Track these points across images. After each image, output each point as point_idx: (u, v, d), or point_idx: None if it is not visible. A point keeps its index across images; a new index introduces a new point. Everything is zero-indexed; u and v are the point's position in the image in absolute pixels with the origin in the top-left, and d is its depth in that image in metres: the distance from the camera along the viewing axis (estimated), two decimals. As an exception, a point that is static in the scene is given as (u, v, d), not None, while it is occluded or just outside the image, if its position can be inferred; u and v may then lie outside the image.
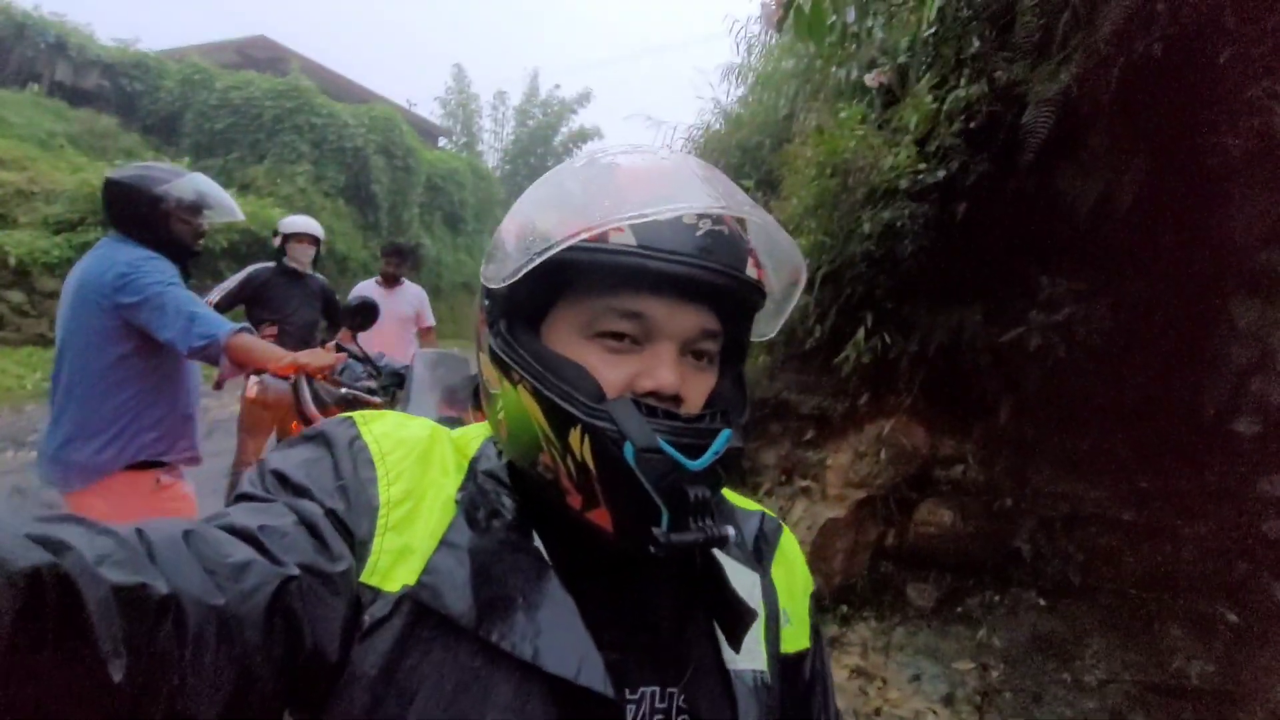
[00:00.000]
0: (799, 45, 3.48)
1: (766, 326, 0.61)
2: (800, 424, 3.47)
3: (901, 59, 2.86)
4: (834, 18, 2.11)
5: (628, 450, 0.46)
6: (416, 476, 0.52)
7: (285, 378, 1.87)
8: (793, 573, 0.66)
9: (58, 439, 1.81)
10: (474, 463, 0.56)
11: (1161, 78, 2.03)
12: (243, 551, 0.42)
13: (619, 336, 0.50)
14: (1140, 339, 2.32)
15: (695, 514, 0.47)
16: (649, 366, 0.50)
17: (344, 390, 1.81)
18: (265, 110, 12.13)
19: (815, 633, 0.66)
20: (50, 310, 7.49)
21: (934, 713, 2.35)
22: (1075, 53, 2.16)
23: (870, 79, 2.86)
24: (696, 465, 0.47)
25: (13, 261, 7.31)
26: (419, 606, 0.47)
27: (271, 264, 3.52)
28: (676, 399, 0.50)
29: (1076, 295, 2.32)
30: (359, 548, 0.48)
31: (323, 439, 0.54)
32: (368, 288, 4.15)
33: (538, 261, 0.48)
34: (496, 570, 0.49)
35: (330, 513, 0.48)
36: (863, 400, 3.06)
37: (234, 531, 0.43)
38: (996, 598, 2.66)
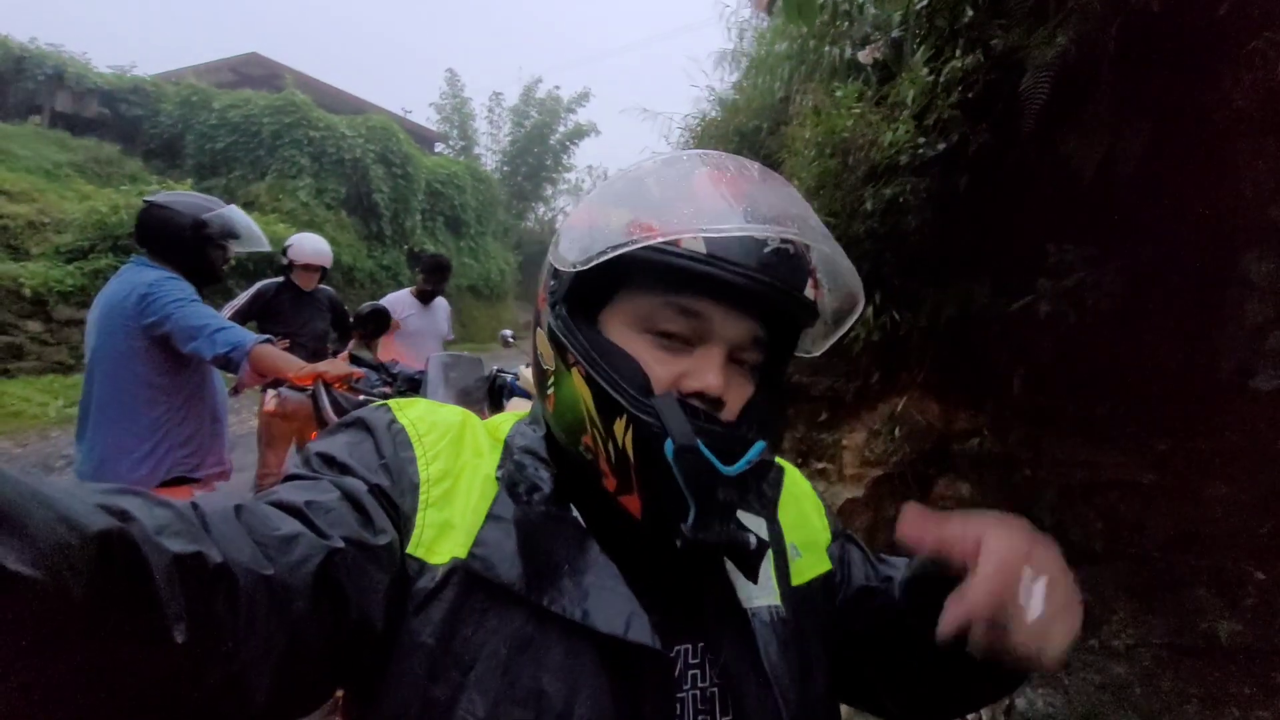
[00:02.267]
0: (791, 27, 3.46)
1: (815, 345, 0.64)
2: (813, 406, 3.47)
3: (895, 33, 2.83)
4: (823, -3, 2.09)
5: (668, 446, 0.48)
6: (452, 456, 0.55)
7: (304, 388, 1.91)
8: (801, 505, 0.70)
9: (94, 460, 1.87)
10: (509, 441, 0.59)
11: (1160, 34, 2.00)
12: (290, 525, 0.44)
13: (672, 335, 0.53)
14: (1153, 301, 2.30)
15: (721, 516, 0.49)
16: (698, 367, 0.52)
17: (361, 397, 1.85)
18: (264, 127, 12.20)
19: (837, 537, 0.71)
20: (69, 338, 7.61)
21: (962, 685, 2.36)
22: (1071, 14, 2.13)
23: (864, 55, 2.84)
24: (730, 470, 0.49)
25: (28, 292, 7.42)
26: (469, 577, 0.49)
27: (279, 279, 3.56)
28: (719, 402, 0.52)
29: (1086, 261, 2.30)
30: (403, 522, 0.51)
31: (362, 424, 0.57)
32: (402, 300, 4.07)
33: (611, 255, 0.50)
34: (542, 540, 0.51)
35: (375, 488, 0.51)
36: (874, 379, 3.06)
37: (282, 507, 0.45)
38: (1020, 568, 2.65)
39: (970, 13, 2.52)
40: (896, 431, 2.94)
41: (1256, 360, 1.92)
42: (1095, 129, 2.22)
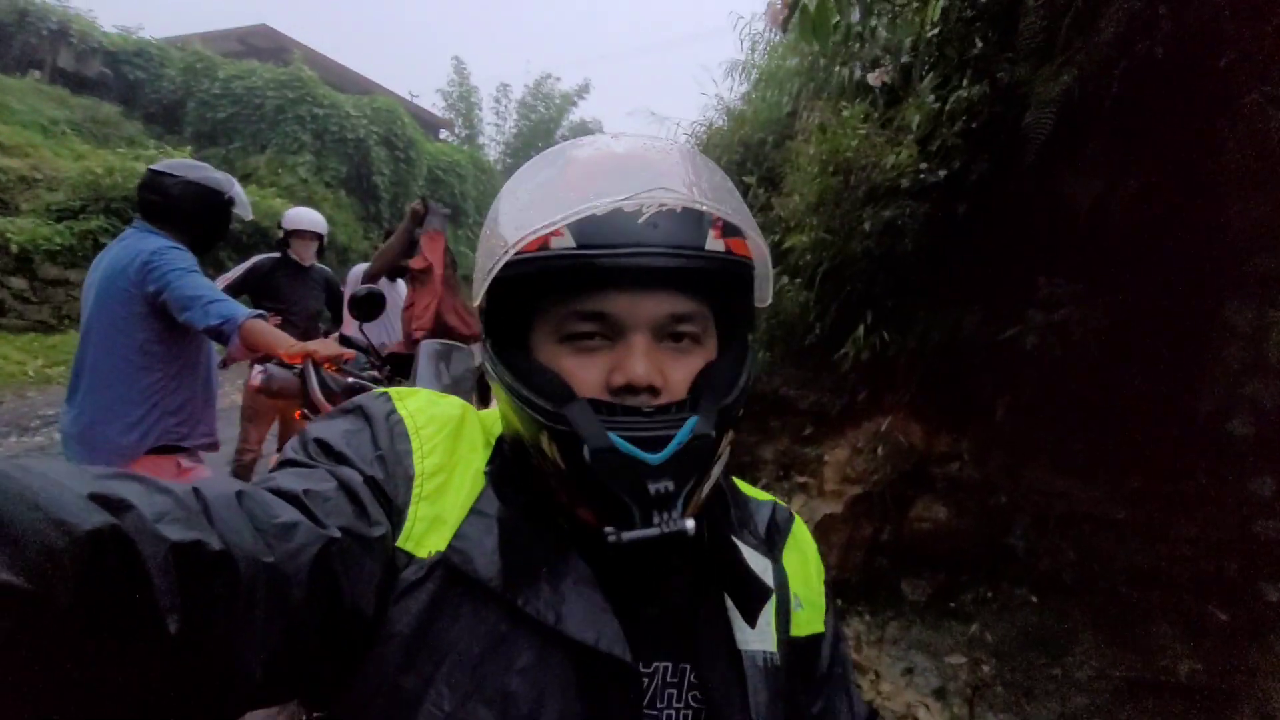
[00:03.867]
0: (803, 43, 3.49)
1: (761, 291, 0.59)
2: (798, 420, 3.50)
3: (905, 59, 2.87)
4: (838, 18, 2.12)
5: (585, 451, 0.47)
6: (449, 451, 0.55)
7: (293, 366, 1.91)
8: (806, 559, 0.67)
9: (83, 423, 1.88)
10: (500, 440, 0.58)
11: (1162, 81, 2.05)
12: (289, 513, 0.44)
13: (587, 336, 0.51)
14: (1137, 340, 2.34)
15: (658, 508, 0.47)
16: (620, 361, 0.50)
17: (350, 379, 1.85)
18: (267, 100, 12.12)
19: (833, 617, 0.66)
20: (52, 297, 7.51)
21: (925, 706, 2.39)
22: (1077, 55, 2.17)
23: (873, 78, 2.87)
24: (656, 459, 0.47)
25: (14, 248, 7.32)
26: (450, 572, 0.49)
27: (276, 255, 3.54)
28: (653, 389, 0.50)
29: (1074, 296, 2.34)
30: (396, 514, 0.50)
31: (361, 412, 0.56)
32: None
33: (487, 282, 0.49)
34: (522, 540, 0.51)
35: (370, 480, 0.50)
36: (861, 397, 3.09)
37: (280, 494, 0.45)
38: (989, 593, 2.69)
39: (979, 45, 2.56)
40: (879, 450, 2.97)
41: (1233, 406, 1.96)
42: (1093, 168, 2.26)
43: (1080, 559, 2.53)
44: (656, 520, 0.46)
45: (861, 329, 2.85)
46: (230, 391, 5.16)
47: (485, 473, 0.55)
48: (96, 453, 1.88)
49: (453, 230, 16.07)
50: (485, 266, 0.50)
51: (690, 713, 0.53)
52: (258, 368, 2.45)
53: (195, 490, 0.39)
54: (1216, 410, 2.04)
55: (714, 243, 0.50)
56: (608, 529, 0.47)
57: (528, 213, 0.49)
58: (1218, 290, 2.01)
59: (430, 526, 0.50)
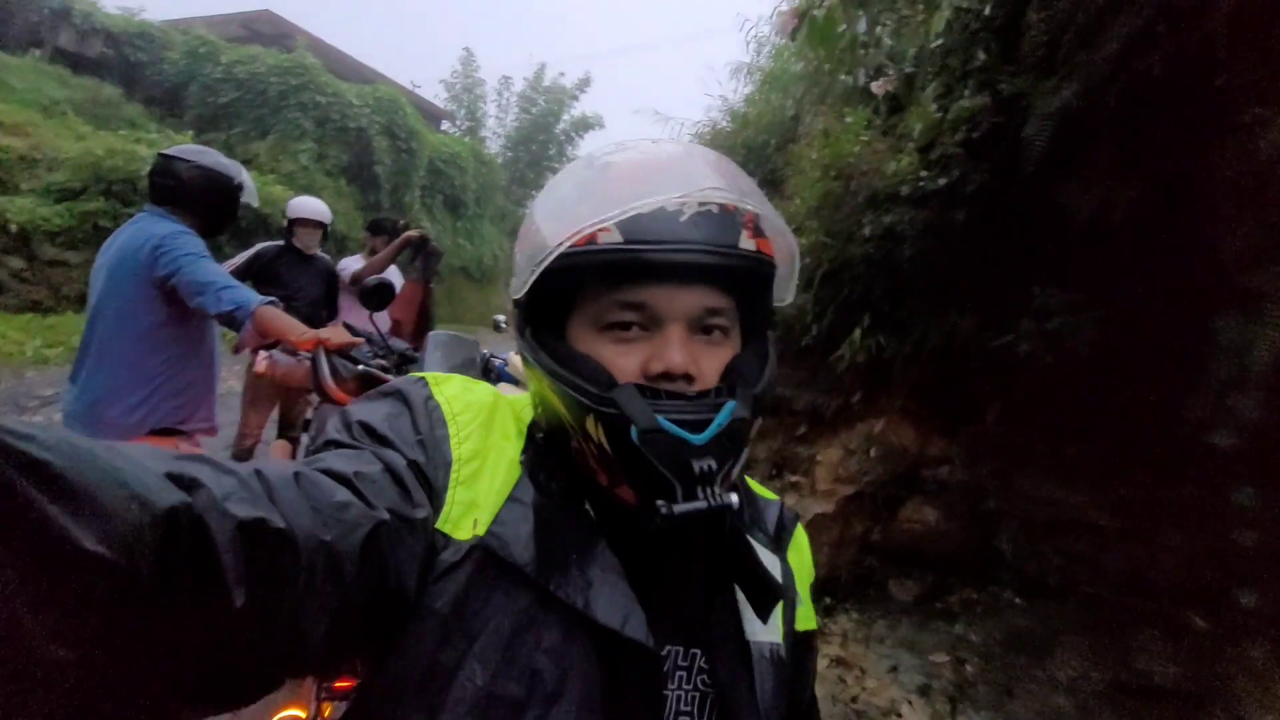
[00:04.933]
0: (807, 49, 3.53)
1: (786, 292, 0.64)
2: (793, 420, 3.54)
3: (908, 68, 2.91)
4: (844, 27, 2.15)
5: (633, 432, 0.50)
6: (482, 438, 0.57)
7: (297, 352, 1.94)
8: (803, 561, 0.71)
9: (86, 401, 1.90)
10: (531, 429, 0.61)
11: (1160, 97, 2.09)
12: (342, 494, 0.46)
13: (626, 326, 0.54)
14: (1127, 351, 2.39)
15: (702, 485, 0.50)
16: (658, 350, 0.53)
17: (360, 367, 1.88)
18: (270, 86, 12.04)
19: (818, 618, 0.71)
20: (50, 277, 7.48)
21: (909, 703, 2.43)
22: (1078, 69, 2.21)
23: (877, 86, 2.91)
24: (699, 439, 0.50)
25: (14, 228, 7.28)
26: (486, 555, 0.52)
27: (279, 243, 3.55)
28: (689, 377, 0.53)
29: (1068, 305, 2.38)
30: (435, 497, 0.53)
31: (400, 396, 0.58)
32: (355, 264, 3.99)
33: (536, 274, 0.52)
34: (555, 527, 0.54)
35: (412, 464, 0.53)
36: (855, 399, 3.13)
37: (331, 475, 0.47)
38: (975, 595, 2.74)
39: (982, 56, 2.60)
40: (871, 452, 3.01)
41: (1217, 418, 2.01)
42: (1090, 180, 2.30)
43: (1065, 564, 2.58)
44: (701, 495, 0.49)
45: (858, 332, 2.89)
46: (227, 378, 5.17)
47: (520, 462, 0.57)
48: (99, 432, 1.89)
49: (452, 222, 16.07)
50: (532, 259, 0.53)
51: (698, 695, 0.56)
52: (262, 353, 2.48)
53: (257, 471, 0.42)
54: (1202, 422, 2.09)
55: (746, 242, 0.54)
56: (659, 502, 0.49)
57: (578, 209, 0.52)
58: (1206, 305, 2.06)
59: (466, 510, 0.53)
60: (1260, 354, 1.79)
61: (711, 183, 0.53)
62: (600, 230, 0.51)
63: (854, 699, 2.48)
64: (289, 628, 0.40)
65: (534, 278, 0.53)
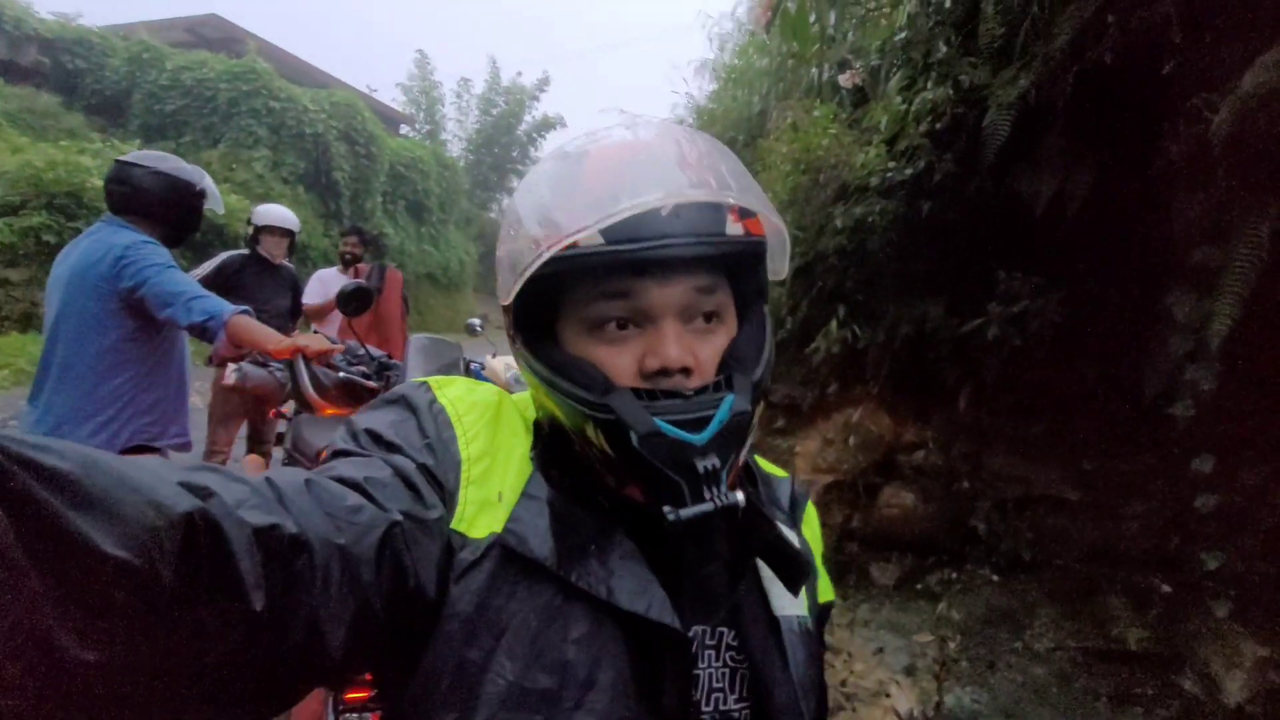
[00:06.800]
0: (772, 44, 3.57)
1: (779, 266, 0.63)
2: (770, 412, 3.59)
3: (873, 61, 2.97)
4: (815, 18, 2.19)
5: (633, 438, 0.49)
6: (490, 436, 0.57)
7: (270, 362, 1.88)
8: (814, 534, 0.73)
9: (50, 421, 1.79)
10: (537, 425, 0.61)
11: (1112, 85, 2.18)
12: (353, 498, 0.46)
13: (618, 325, 0.53)
14: (1088, 330, 2.48)
15: (707, 484, 0.49)
16: (653, 346, 0.53)
17: (341, 374, 1.83)
18: (220, 93, 11.69)
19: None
20: (-8, 297, 7.12)
21: (896, 683, 2.49)
22: (1034, 60, 2.30)
23: (845, 80, 2.97)
24: (700, 439, 0.50)
25: (-51, 246, 6.93)
26: (506, 551, 0.51)
27: (244, 252, 3.45)
28: (686, 370, 0.53)
29: (1032, 289, 2.47)
30: (448, 498, 0.52)
31: (405, 402, 0.58)
32: (329, 275, 3.99)
33: (520, 284, 0.52)
34: (571, 520, 0.54)
35: (422, 467, 0.52)
36: (831, 389, 3.19)
37: (342, 481, 0.47)
38: (954, 574, 2.82)
39: (943, 49, 2.67)
40: (849, 441, 3.07)
41: (1175, 390, 2.11)
42: (1048, 167, 2.39)
43: (1037, 538, 2.67)
44: (708, 496, 0.49)
45: (834, 323, 2.94)
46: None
47: (530, 457, 0.57)
48: None
49: (416, 228, 15.81)
50: (518, 266, 0.52)
51: (728, 671, 0.57)
52: (231, 366, 2.40)
53: (268, 480, 0.42)
54: (1160, 395, 2.19)
55: (733, 227, 0.53)
56: (666, 508, 0.49)
57: (556, 213, 0.51)
58: (1161, 282, 2.15)
59: (480, 509, 0.53)
60: (1214, 326, 1.88)
61: (689, 181, 0.52)
62: (567, 238, 0.50)
63: (843, 683, 2.52)
64: (309, 632, 0.40)
65: (519, 286, 0.52)
